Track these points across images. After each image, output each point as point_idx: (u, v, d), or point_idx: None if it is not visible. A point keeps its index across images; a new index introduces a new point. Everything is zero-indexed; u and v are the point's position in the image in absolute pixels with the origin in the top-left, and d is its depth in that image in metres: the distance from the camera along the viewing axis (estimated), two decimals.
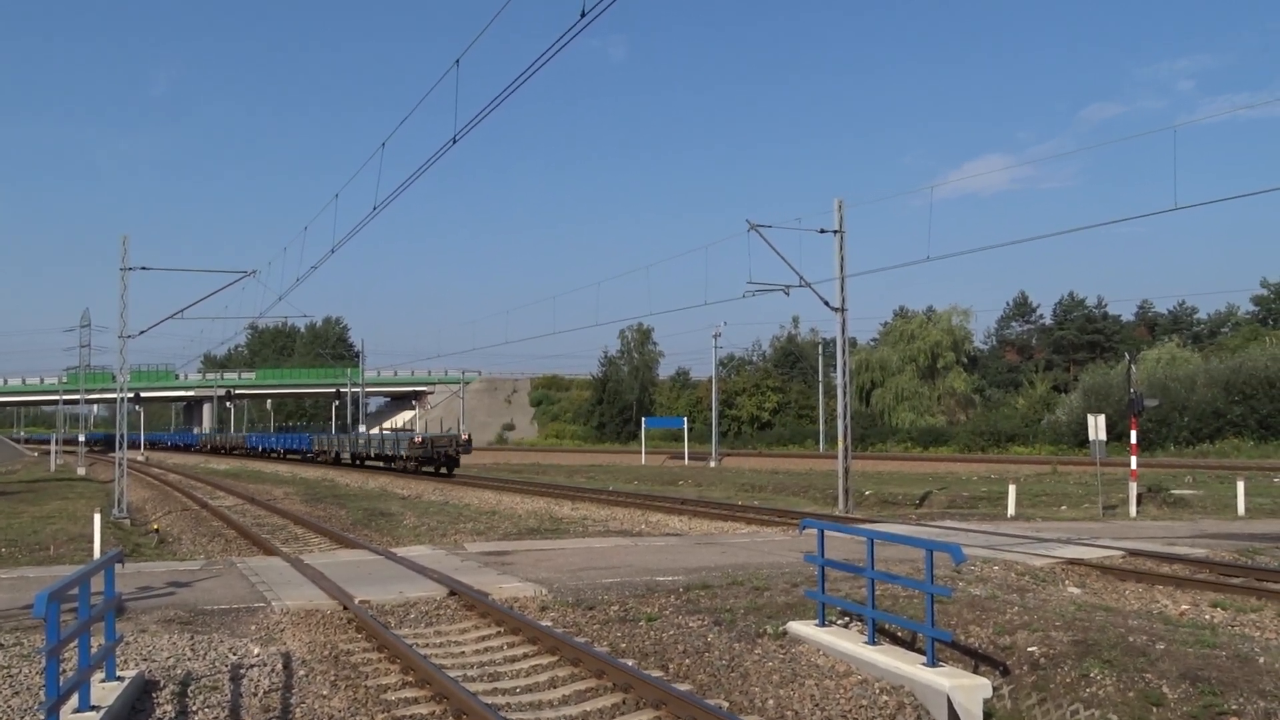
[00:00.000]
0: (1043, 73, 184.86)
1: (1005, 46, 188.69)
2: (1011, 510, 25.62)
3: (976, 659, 10.25)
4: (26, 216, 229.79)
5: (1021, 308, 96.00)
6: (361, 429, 79.02)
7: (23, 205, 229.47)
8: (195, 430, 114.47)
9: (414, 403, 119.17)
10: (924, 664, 9.28)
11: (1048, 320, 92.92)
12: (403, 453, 50.46)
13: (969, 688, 8.86)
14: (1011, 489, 26.51)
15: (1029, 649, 10.22)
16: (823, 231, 27.82)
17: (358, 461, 58.14)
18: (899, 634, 11.03)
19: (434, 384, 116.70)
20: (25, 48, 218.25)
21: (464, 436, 53.08)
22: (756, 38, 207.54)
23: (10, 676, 9.24)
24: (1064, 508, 27.69)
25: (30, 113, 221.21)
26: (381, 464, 54.42)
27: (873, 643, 10.10)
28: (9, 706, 8.42)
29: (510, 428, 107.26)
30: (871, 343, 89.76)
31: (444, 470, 48.92)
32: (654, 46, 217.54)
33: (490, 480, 44.31)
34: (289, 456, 71.42)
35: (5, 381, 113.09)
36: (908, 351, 79.18)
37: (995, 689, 9.33)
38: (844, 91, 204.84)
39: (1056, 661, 9.83)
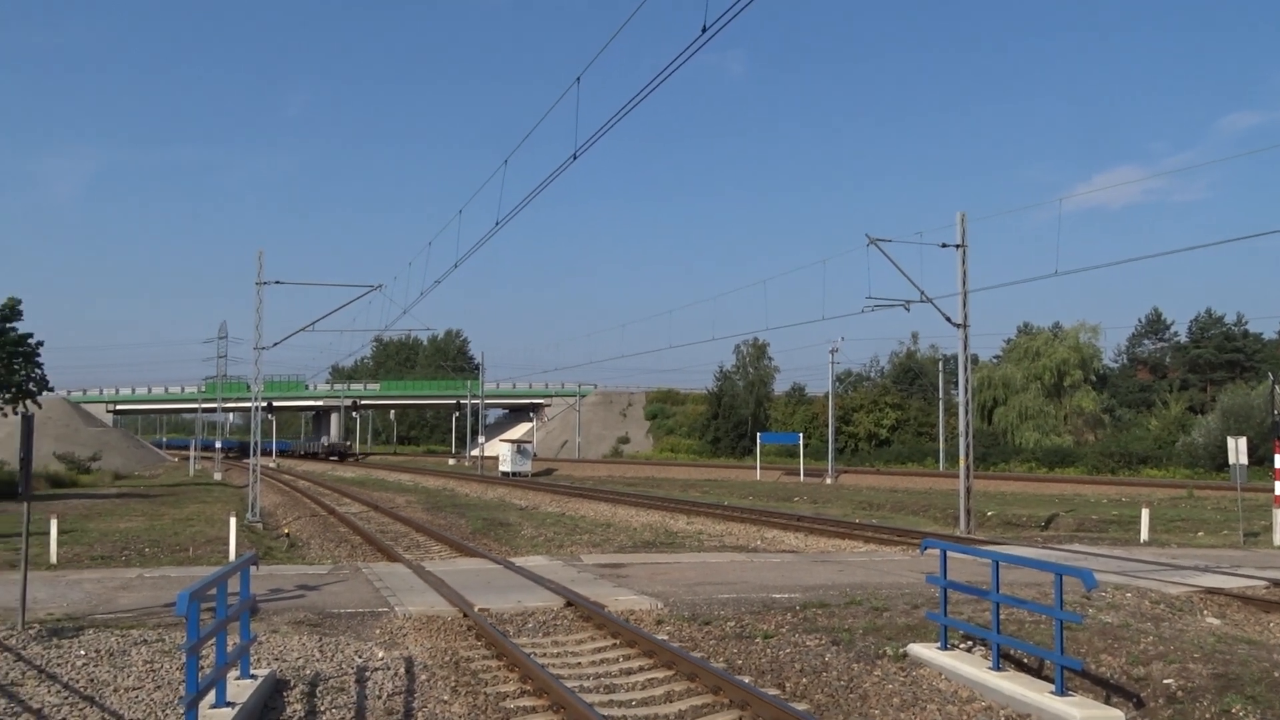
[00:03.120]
0: (1177, 81, 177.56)
1: (1138, 55, 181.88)
2: (1144, 535, 24.53)
3: (1108, 689, 9.82)
4: (170, 235, 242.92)
5: (1154, 325, 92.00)
6: (481, 438, 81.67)
7: (167, 224, 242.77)
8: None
9: (531, 415, 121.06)
10: (1052, 692, 8.94)
11: (1183, 338, 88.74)
12: (320, 450, 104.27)
13: (1101, 719, 8.49)
14: (1144, 513, 25.38)
15: (1165, 681, 9.74)
16: (944, 246, 27.26)
17: (310, 456, 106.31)
18: (1025, 660, 10.65)
19: (551, 396, 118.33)
20: (170, 77, 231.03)
21: (347, 443, 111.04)
22: (876, 48, 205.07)
23: (154, 671, 9.72)
24: (1201, 534, 26.36)
25: (173, 137, 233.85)
26: (316, 456, 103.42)
27: (997, 668, 9.79)
28: (152, 700, 8.86)
29: (625, 441, 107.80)
30: (994, 359, 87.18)
31: (339, 459, 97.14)
32: (773, 60, 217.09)
33: (605, 493, 44.66)
34: (283, 454, 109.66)
35: (149, 390, 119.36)
36: (1032, 369, 76.65)
37: None
38: (968, 103, 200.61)
39: (1195, 695, 9.35)
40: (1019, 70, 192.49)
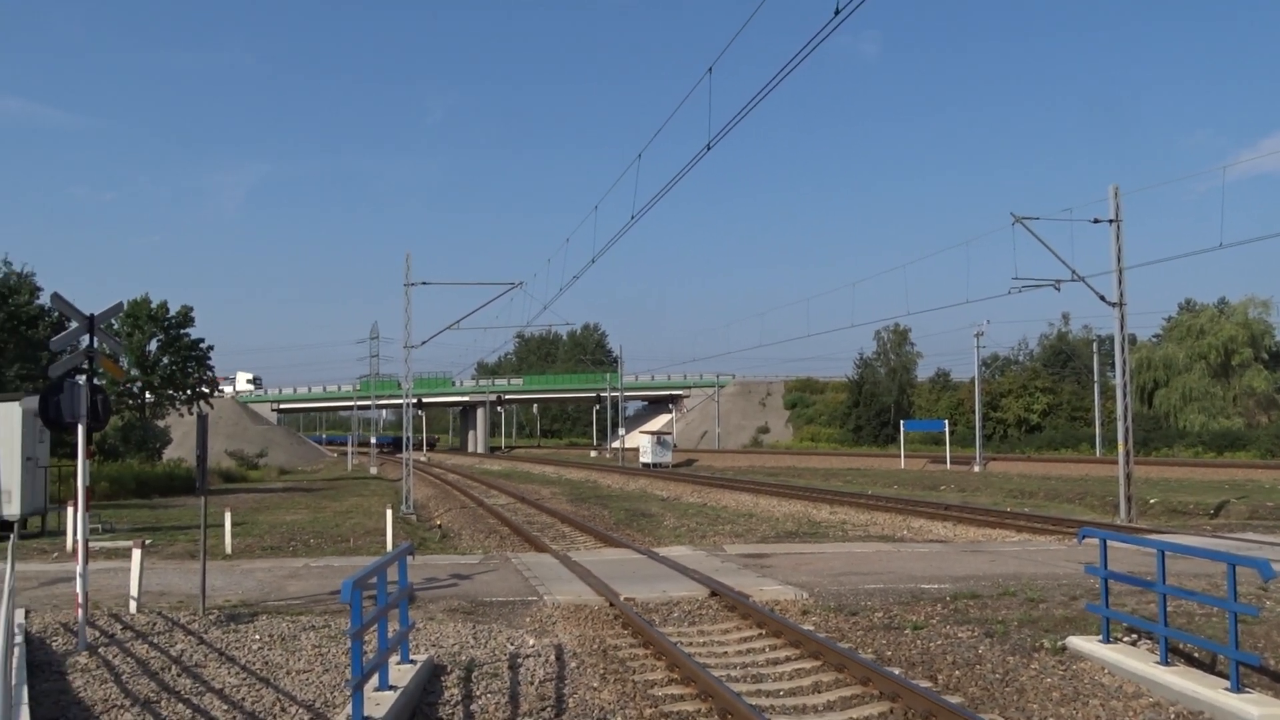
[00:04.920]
0: None
1: None
2: None
3: None
4: (324, 240, 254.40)
5: None
6: (621, 430, 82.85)
7: (321, 231, 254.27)
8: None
9: (670, 406, 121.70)
10: (1227, 689, 8.47)
11: None
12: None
13: None
14: None
15: None
16: (1096, 221, 26.11)
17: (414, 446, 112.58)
18: (1195, 655, 10.13)
19: (689, 387, 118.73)
20: (320, 91, 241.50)
21: (435, 437, 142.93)
22: (1015, 22, 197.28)
23: (322, 655, 10.25)
24: None
25: (324, 148, 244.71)
26: (418, 447, 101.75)
27: (1165, 663, 9.34)
28: (321, 682, 9.34)
29: (765, 430, 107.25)
30: (1154, 339, 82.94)
31: (430, 448, 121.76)
32: (908, 39, 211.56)
33: (746, 483, 44.54)
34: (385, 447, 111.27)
35: (309, 389, 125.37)
36: (1196, 348, 72.52)
37: None
38: (1119, 71, 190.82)
39: None
40: (1171, 36, 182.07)
